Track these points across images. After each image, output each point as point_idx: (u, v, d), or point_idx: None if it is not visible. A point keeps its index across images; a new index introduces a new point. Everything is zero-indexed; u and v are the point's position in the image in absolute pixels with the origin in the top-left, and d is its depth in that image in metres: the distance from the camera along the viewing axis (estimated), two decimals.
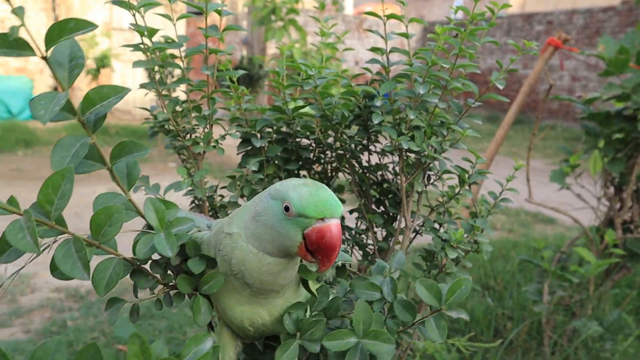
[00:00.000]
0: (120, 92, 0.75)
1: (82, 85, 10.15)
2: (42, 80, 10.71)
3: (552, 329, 2.75)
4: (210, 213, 1.41)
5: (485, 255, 1.36)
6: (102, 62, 9.41)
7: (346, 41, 11.98)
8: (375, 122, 1.20)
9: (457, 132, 1.26)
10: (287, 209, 0.76)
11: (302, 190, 0.77)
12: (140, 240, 0.80)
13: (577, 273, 2.40)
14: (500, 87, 1.25)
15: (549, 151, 9.42)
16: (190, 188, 1.27)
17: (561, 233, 5.05)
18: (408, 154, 1.29)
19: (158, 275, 0.91)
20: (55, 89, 10.66)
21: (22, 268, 0.83)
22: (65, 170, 0.68)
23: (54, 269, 0.75)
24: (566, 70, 11.85)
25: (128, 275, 0.86)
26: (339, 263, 0.98)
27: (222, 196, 1.45)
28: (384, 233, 1.47)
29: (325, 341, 0.77)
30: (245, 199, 1.41)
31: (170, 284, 0.93)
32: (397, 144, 1.19)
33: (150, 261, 0.90)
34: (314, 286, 0.91)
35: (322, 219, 0.76)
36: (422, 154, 1.21)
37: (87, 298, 3.49)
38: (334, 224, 0.76)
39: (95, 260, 0.77)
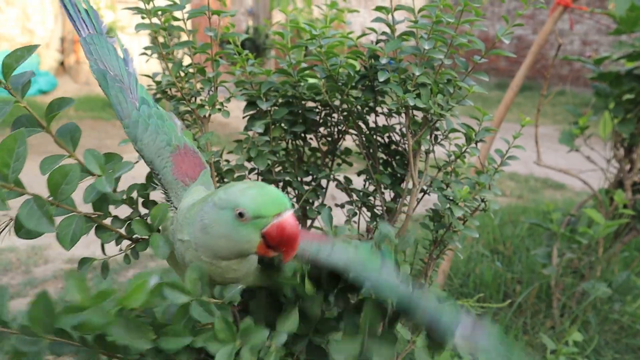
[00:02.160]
0: (31, 50, 0.80)
1: (85, 66, 10.12)
2: (49, 55, 10.68)
3: (560, 292, 2.76)
4: (217, 178, 1.41)
5: (493, 214, 1.36)
6: (108, 35, 9.36)
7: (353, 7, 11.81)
8: (381, 79, 1.19)
9: (463, 89, 1.25)
10: (241, 215, 0.75)
11: (250, 193, 0.77)
12: (87, 189, 0.85)
13: (586, 234, 2.40)
14: (506, 41, 1.24)
15: (558, 117, 9.34)
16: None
17: (570, 198, 5.03)
18: (414, 112, 1.29)
19: (121, 230, 0.95)
20: (62, 63, 10.64)
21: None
22: (18, 134, 0.72)
23: (19, 229, 0.78)
24: (576, 33, 11.66)
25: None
26: None
27: (228, 161, 1.45)
28: (392, 194, 1.48)
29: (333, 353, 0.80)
30: (252, 162, 1.41)
31: (134, 237, 0.97)
32: (403, 101, 1.18)
33: (112, 217, 0.94)
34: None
35: (279, 214, 0.76)
36: (429, 112, 1.20)
37: (97, 270, 3.54)
38: (289, 216, 0.77)
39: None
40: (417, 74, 1.18)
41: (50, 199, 0.77)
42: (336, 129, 1.53)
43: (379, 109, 1.45)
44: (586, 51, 11.51)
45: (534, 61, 2.66)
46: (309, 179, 1.51)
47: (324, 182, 1.54)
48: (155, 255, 0.90)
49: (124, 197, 0.94)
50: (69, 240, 0.80)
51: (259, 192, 0.77)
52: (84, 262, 0.95)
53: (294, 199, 1.50)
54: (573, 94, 10.59)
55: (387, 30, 1.30)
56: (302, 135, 1.52)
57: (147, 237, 0.91)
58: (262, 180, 1.47)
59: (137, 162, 0.98)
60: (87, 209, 0.89)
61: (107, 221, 0.92)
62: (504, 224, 3.96)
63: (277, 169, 1.47)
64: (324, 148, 1.55)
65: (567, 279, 2.84)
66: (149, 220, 0.91)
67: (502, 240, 3.61)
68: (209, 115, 1.31)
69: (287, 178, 1.47)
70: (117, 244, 0.97)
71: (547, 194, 5.39)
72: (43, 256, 3.73)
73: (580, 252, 2.64)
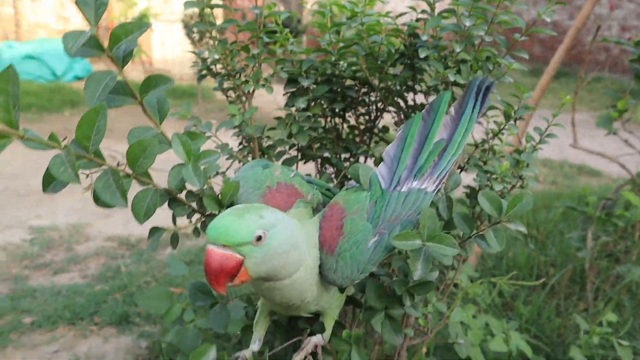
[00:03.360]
0: (142, 26, 0.80)
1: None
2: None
3: (595, 275, 2.75)
4: (259, 154, 1.46)
5: (530, 193, 1.38)
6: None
7: None
8: (422, 56, 1.22)
9: (503, 66, 1.26)
10: None
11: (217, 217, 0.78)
12: (172, 172, 0.87)
13: (623, 218, 2.38)
14: (548, 19, 1.25)
15: (595, 104, 9.16)
16: (238, 125, 1.32)
17: (607, 185, 4.96)
18: (454, 89, 1.31)
19: (193, 204, 0.97)
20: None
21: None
22: (99, 107, 0.74)
23: (97, 199, 0.81)
24: (615, 18, 11.37)
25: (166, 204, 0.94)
26: None
27: (269, 137, 1.49)
28: None
29: (394, 240, 0.80)
30: (293, 138, 1.45)
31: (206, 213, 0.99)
32: (443, 77, 1.20)
33: (186, 191, 0.96)
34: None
35: (211, 243, 0.76)
36: None
37: (137, 246, 3.65)
38: (211, 249, 0.75)
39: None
40: (458, 50, 1.20)
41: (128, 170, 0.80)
42: (374, 107, 1.56)
43: (417, 87, 1.47)
44: (625, 35, 11.22)
45: (571, 45, 2.64)
46: (347, 155, 1.54)
47: (362, 160, 1.57)
48: None
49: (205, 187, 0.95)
50: (143, 213, 0.82)
51: (218, 217, 0.77)
52: (155, 231, 0.98)
53: (333, 175, 1.54)
54: (611, 81, 10.36)
55: (427, 8, 1.32)
56: (341, 113, 1.55)
57: (216, 212, 0.94)
58: (302, 155, 1.51)
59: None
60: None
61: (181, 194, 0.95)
62: (537, 209, 3.94)
63: (316, 146, 1.51)
64: (362, 127, 1.58)
65: (601, 262, 2.82)
66: (219, 196, 0.94)
67: (536, 225, 3.60)
68: (253, 90, 1.35)
69: (326, 154, 1.51)
70: (189, 217, 1.00)
71: (582, 180, 5.32)
72: (84, 234, 3.86)
73: (616, 236, 2.62)
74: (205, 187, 0.93)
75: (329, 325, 0.98)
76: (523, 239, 3.40)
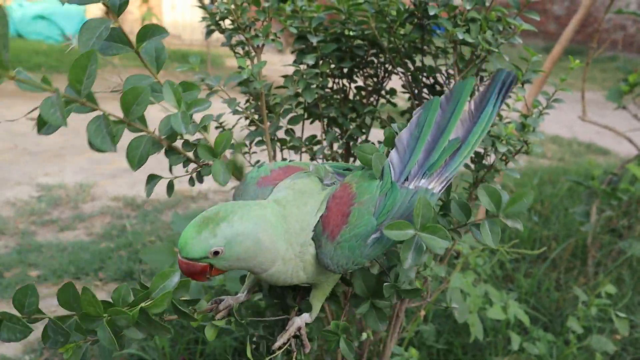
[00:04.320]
0: None
1: (133, 8, 10.21)
2: (95, 4, 10.80)
3: (597, 250, 2.76)
4: (267, 112, 1.46)
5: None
6: None
7: None
8: (431, 13, 1.21)
9: (513, 27, 1.25)
10: None
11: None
12: (162, 121, 0.88)
13: (628, 192, 2.38)
14: None
15: (607, 83, 9.07)
16: (245, 78, 1.31)
17: (615, 164, 4.94)
18: (462, 49, 1.30)
19: (190, 154, 0.98)
20: (107, 13, 10.76)
21: None
22: (90, 53, 0.73)
23: (91, 143, 0.82)
24: None
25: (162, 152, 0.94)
26: None
27: (275, 95, 1.49)
28: None
29: (386, 230, 0.79)
30: (300, 97, 1.45)
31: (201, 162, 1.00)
32: (452, 35, 1.20)
33: (182, 140, 0.97)
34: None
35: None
36: (477, 47, 1.22)
37: (143, 207, 3.68)
38: (179, 258, 0.79)
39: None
40: (468, 7, 1.19)
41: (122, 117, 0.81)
42: (382, 68, 1.55)
43: (425, 48, 1.47)
44: None
45: (585, 16, 2.60)
46: (354, 115, 1.54)
47: (367, 121, 1.57)
48: (215, 181, 0.94)
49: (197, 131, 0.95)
50: (137, 160, 0.83)
51: (186, 228, 0.80)
52: (152, 178, 0.99)
53: (339, 135, 1.55)
54: (625, 60, 10.22)
55: None
56: (349, 73, 1.55)
57: (211, 162, 0.95)
58: (308, 114, 1.51)
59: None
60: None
61: (177, 143, 0.95)
62: (543, 184, 3.94)
63: (322, 105, 1.51)
64: (369, 88, 1.58)
65: (604, 237, 2.83)
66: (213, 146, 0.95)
67: (541, 199, 3.60)
68: (263, 45, 1.35)
69: (332, 114, 1.51)
70: (184, 166, 1.01)
71: (590, 158, 5.30)
72: (91, 193, 3.89)
73: (619, 211, 2.62)
74: (202, 138, 0.94)
75: (319, 302, 0.98)
76: (527, 213, 3.41)
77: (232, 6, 1.34)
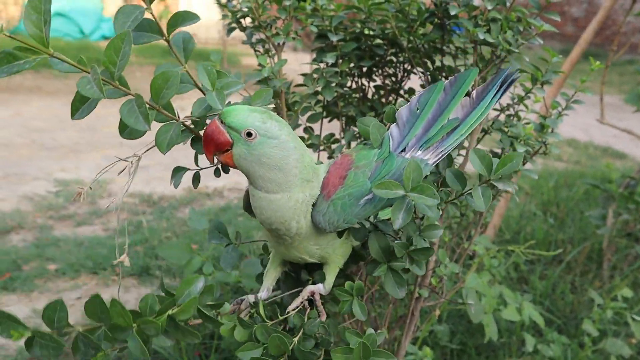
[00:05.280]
0: None
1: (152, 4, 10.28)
2: (112, 2, 10.91)
3: (612, 253, 2.74)
4: (285, 110, 1.47)
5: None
6: None
7: None
8: (452, 13, 1.21)
9: (534, 28, 1.25)
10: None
11: None
12: (196, 102, 0.90)
13: None
14: None
15: (625, 87, 8.97)
16: (265, 77, 1.33)
17: (632, 168, 4.90)
18: (482, 49, 1.30)
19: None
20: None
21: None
22: (124, 34, 0.75)
23: (123, 129, 0.85)
24: None
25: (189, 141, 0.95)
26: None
27: (294, 93, 1.51)
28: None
29: (374, 188, 0.82)
30: (319, 95, 1.46)
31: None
32: (472, 35, 1.20)
33: None
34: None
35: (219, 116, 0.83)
36: (497, 47, 1.22)
37: (159, 203, 3.71)
38: (215, 120, 0.83)
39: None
40: (489, 8, 1.19)
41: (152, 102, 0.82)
42: (402, 68, 1.56)
43: (445, 48, 1.47)
44: None
45: (605, 18, 2.59)
46: (372, 114, 1.55)
47: None
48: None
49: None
50: (166, 145, 0.85)
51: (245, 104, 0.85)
52: (178, 170, 1.00)
53: (357, 134, 1.55)
54: None
55: None
56: (368, 73, 1.56)
57: None
58: (327, 112, 1.52)
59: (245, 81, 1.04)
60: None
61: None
62: (559, 187, 3.91)
63: (341, 103, 1.52)
64: (388, 87, 1.59)
65: (620, 241, 2.81)
66: None
67: (556, 202, 3.58)
68: (283, 43, 1.36)
69: (351, 113, 1.52)
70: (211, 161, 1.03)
71: (606, 162, 5.26)
72: (107, 189, 3.93)
73: (637, 215, 2.60)
74: None
75: (331, 274, 1.00)
76: (543, 215, 3.39)
77: (254, 4, 1.35)
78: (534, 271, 2.73)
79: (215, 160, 0.96)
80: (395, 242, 0.93)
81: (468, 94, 0.99)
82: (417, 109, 1.00)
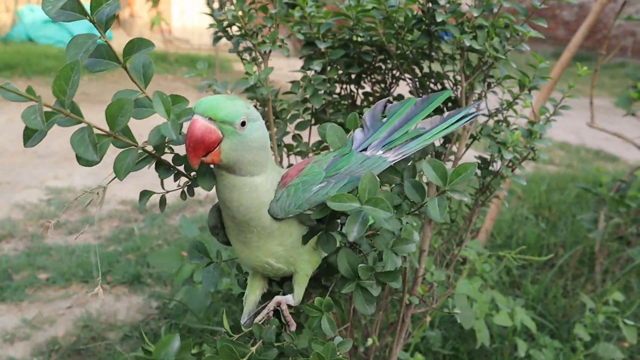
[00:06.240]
0: None
1: (143, 13, 10.27)
2: None
3: (604, 257, 2.75)
4: (273, 118, 1.47)
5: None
6: None
7: None
8: (439, 20, 1.21)
9: (521, 34, 1.25)
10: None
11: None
12: (152, 131, 0.88)
13: (637, 199, 2.37)
14: (574, 0, 1.23)
15: (616, 90, 9.02)
16: (252, 85, 1.32)
17: (623, 171, 4.92)
18: (469, 55, 1.30)
19: (180, 168, 0.98)
20: (117, 17, 10.83)
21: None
22: (74, 63, 0.75)
23: (79, 158, 0.83)
24: None
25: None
26: None
27: (282, 101, 1.50)
28: (442, 139, 1.50)
29: (329, 202, 0.82)
30: (307, 102, 1.46)
31: (192, 175, 1.01)
32: (459, 42, 1.20)
33: (173, 155, 0.97)
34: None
35: (199, 115, 0.81)
36: (484, 54, 1.22)
37: (150, 211, 3.69)
38: (199, 119, 0.80)
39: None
40: (476, 15, 1.19)
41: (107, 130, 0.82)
42: (390, 74, 1.56)
43: (433, 54, 1.47)
44: None
45: (595, 22, 2.60)
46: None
47: None
48: (202, 187, 0.95)
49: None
50: (123, 171, 0.85)
51: (209, 96, 0.83)
52: (144, 194, 0.99)
53: None
54: (635, 66, 10.18)
55: None
56: (357, 79, 1.56)
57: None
58: (315, 120, 1.52)
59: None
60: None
61: (169, 158, 0.96)
62: (550, 191, 3.92)
63: (330, 111, 1.52)
64: (377, 94, 1.59)
65: (612, 244, 2.82)
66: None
67: (548, 205, 3.59)
68: (270, 51, 1.36)
69: (340, 120, 1.52)
70: (175, 179, 1.00)
71: (598, 165, 5.28)
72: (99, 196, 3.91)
73: (628, 218, 2.61)
74: None
75: (300, 284, 0.99)
76: (534, 219, 3.40)
77: (240, 13, 1.35)
78: (526, 275, 2.73)
79: (182, 187, 0.97)
80: (359, 265, 0.92)
81: (441, 113, 1.03)
82: (385, 117, 1.04)
